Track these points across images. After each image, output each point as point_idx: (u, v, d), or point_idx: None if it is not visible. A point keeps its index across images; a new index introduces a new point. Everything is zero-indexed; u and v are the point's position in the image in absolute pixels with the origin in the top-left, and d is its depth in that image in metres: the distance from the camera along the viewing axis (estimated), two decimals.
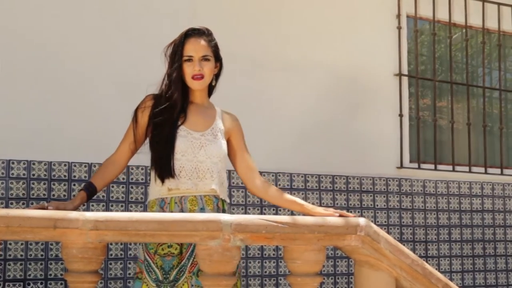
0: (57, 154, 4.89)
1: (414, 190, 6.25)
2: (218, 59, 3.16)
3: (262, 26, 5.73)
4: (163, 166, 3.00)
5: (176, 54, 3.05)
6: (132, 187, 5.13)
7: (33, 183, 4.83)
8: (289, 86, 5.77)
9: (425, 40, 6.80)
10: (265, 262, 5.53)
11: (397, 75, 6.29)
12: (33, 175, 4.83)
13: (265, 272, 5.52)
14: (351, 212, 5.87)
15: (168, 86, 3.08)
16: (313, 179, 5.79)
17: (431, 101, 6.62)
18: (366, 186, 6.01)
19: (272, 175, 5.63)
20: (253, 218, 2.63)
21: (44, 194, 4.85)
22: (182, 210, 2.93)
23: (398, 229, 6.09)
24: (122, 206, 5.08)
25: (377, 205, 6.04)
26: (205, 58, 3.05)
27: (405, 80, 6.36)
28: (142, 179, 5.15)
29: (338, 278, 5.77)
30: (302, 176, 5.75)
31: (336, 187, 5.89)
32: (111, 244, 4.98)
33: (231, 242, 2.57)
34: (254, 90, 5.61)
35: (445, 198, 6.38)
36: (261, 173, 5.41)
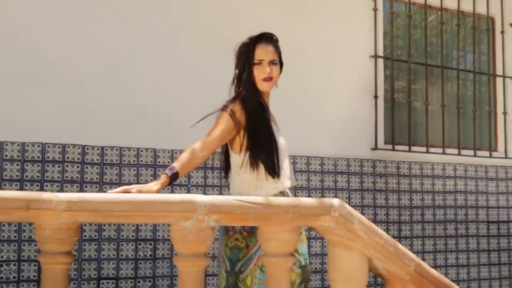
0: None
1: (388, 171, 6.29)
2: (281, 65, 3.38)
3: (239, 7, 5.71)
4: (275, 164, 3.21)
5: (247, 57, 3.27)
6: (106, 168, 5.10)
7: (27, 165, 4.80)
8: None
9: (401, 23, 6.82)
10: None
11: (372, 56, 6.31)
12: (6, 156, 4.80)
13: None
14: (325, 193, 5.90)
15: (243, 87, 3.29)
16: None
17: (406, 83, 6.65)
18: (341, 167, 6.04)
19: None
20: (227, 198, 2.63)
21: (17, 175, 4.82)
22: None
23: (372, 210, 6.14)
24: (96, 187, 5.06)
25: (352, 186, 6.07)
26: (273, 62, 3.29)
27: (380, 62, 6.39)
28: (116, 160, 5.13)
29: (312, 259, 5.80)
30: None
31: (311, 168, 5.91)
32: (85, 225, 4.96)
33: (205, 222, 2.56)
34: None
35: (419, 179, 6.43)
36: None
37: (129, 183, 5.14)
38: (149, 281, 5.23)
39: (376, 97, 6.27)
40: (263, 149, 3.20)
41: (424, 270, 3.05)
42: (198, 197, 2.56)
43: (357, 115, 6.20)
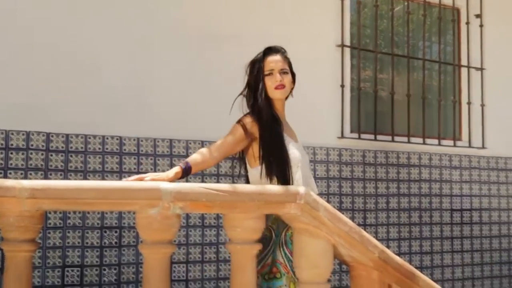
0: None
1: (354, 160, 6.33)
2: (293, 76, 3.55)
3: None
4: (287, 175, 3.23)
5: (258, 70, 3.42)
6: (71, 156, 5.06)
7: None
8: (230, 56, 5.74)
9: (368, 13, 6.85)
10: (206, 231, 5.55)
11: (339, 46, 6.33)
12: None
13: (206, 240, 5.54)
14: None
15: (255, 99, 3.41)
16: None
17: (373, 72, 6.69)
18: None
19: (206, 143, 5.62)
20: (193, 186, 2.63)
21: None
22: None
23: (337, 198, 6.18)
24: (61, 175, 5.01)
25: (318, 174, 6.10)
26: (283, 71, 3.45)
27: (347, 51, 6.41)
28: (81, 147, 5.09)
29: None
30: None
31: None
32: (49, 212, 4.92)
33: (171, 210, 2.56)
34: (202, 60, 5.59)
35: (384, 168, 6.49)
36: (202, 142, 5.41)
37: (94, 171, 5.11)
38: (115, 269, 5.21)
39: (342, 86, 6.30)
40: (274, 160, 3.25)
41: (388, 257, 3.09)
42: (163, 185, 2.56)
43: (324, 104, 6.22)
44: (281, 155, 3.28)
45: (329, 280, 2.96)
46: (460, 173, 6.99)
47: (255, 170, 3.30)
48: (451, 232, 6.87)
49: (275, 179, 3.22)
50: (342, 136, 6.26)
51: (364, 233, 3.03)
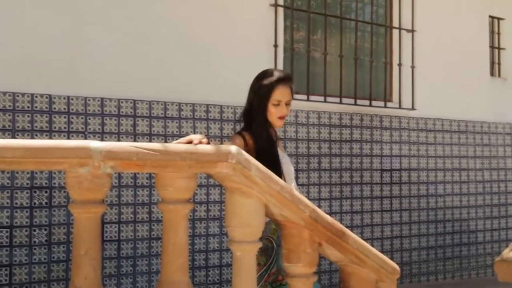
0: None
1: (287, 120, 6.34)
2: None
3: None
4: None
5: (265, 96, 3.58)
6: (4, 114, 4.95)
7: None
8: (163, 15, 5.67)
9: None
10: (138, 191, 5.52)
11: (272, 5, 6.31)
12: None
13: (138, 200, 5.51)
14: (224, 141, 5.92)
15: (255, 122, 3.59)
16: (187, 107, 5.77)
17: (306, 33, 6.70)
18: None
19: (146, 103, 5.57)
20: (124, 145, 2.58)
21: None
22: None
23: None
24: None
25: None
26: (288, 103, 3.63)
27: (280, 11, 6.40)
28: (9, 106, 4.97)
29: (210, 206, 5.85)
30: (176, 105, 5.72)
31: (210, 116, 5.91)
32: None
33: (101, 169, 2.52)
34: (133, 20, 5.50)
35: (316, 128, 6.55)
36: (134, 101, 5.36)
37: (23, 130, 5.01)
38: (45, 229, 5.14)
39: (275, 46, 6.30)
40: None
41: (318, 216, 3.12)
42: (93, 143, 2.51)
43: (256, 64, 6.18)
44: (276, 172, 3.35)
45: (261, 239, 2.98)
46: (390, 133, 7.12)
47: None
48: (380, 192, 7.02)
49: None
50: None
51: (295, 192, 3.05)
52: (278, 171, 3.43)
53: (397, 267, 3.59)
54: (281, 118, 3.62)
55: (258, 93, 3.64)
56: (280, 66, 6.34)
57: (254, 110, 3.63)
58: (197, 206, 5.74)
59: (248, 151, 3.34)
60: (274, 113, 3.59)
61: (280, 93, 3.59)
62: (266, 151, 3.50)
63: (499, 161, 8.06)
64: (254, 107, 3.64)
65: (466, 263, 7.67)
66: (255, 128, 3.57)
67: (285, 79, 3.65)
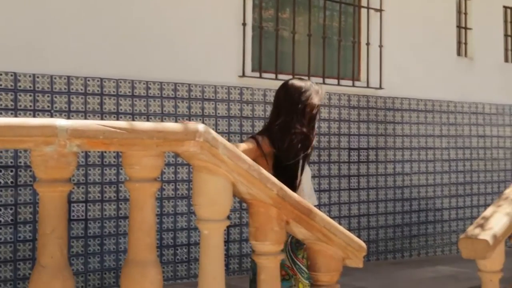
0: None
1: (255, 98, 6.36)
2: None
3: None
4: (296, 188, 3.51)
5: (303, 114, 3.46)
6: None
7: None
8: None
9: None
10: (105, 169, 5.48)
11: None
12: None
13: (105, 179, 5.48)
14: (192, 120, 5.91)
15: (284, 135, 3.50)
16: (155, 86, 5.74)
17: (274, 12, 6.68)
18: (208, 94, 6.05)
19: (113, 82, 5.52)
20: (90, 123, 2.56)
21: None
22: None
23: (238, 136, 6.21)
24: None
25: (219, 113, 6.11)
26: None
27: None
28: None
29: (178, 185, 5.84)
30: (144, 83, 5.68)
31: (178, 94, 5.88)
32: None
33: (67, 147, 2.49)
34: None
35: None
36: (101, 80, 5.31)
37: None
38: (11, 209, 5.09)
39: (244, 24, 6.27)
40: (286, 180, 3.38)
41: (285, 194, 3.13)
42: (59, 121, 2.48)
43: (225, 42, 6.19)
44: (292, 178, 3.55)
45: (228, 218, 2.99)
46: (358, 112, 7.15)
47: None
48: (348, 170, 7.06)
49: None
50: (243, 75, 6.26)
51: (263, 170, 3.05)
52: (295, 175, 3.57)
53: (363, 244, 3.62)
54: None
55: (297, 106, 3.51)
56: (249, 44, 6.33)
57: (297, 124, 3.51)
58: (165, 185, 5.73)
59: (260, 155, 3.46)
60: (315, 132, 3.62)
61: (316, 115, 3.57)
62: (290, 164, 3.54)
63: (464, 140, 8.15)
64: (286, 119, 3.52)
65: (432, 241, 7.77)
66: (285, 145, 3.51)
67: (322, 100, 3.63)
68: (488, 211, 4.42)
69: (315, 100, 3.54)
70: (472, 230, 4.25)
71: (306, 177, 3.73)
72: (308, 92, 3.55)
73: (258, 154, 3.46)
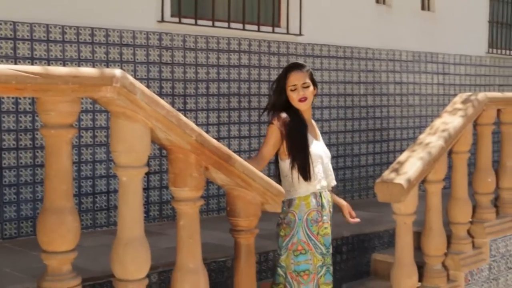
0: None
1: (175, 44, 6.28)
2: (314, 84, 4.09)
3: None
4: (308, 169, 3.92)
5: (283, 86, 4.00)
6: None
7: None
8: None
9: None
10: (20, 116, 5.34)
11: None
12: None
13: (20, 126, 5.34)
14: (110, 66, 5.80)
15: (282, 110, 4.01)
16: (71, 30, 5.58)
17: None
18: (126, 40, 5.93)
19: (27, 26, 5.34)
20: (1, 68, 2.48)
21: None
22: (326, 200, 4.08)
23: (157, 83, 6.14)
24: None
25: (137, 59, 6.01)
26: (305, 86, 4.00)
27: None
28: None
29: (97, 132, 5.75)
30: (59, 28, 5.52)
31: (96, 40, 5.74)
32: None
33: None
34: None
35: (204, 53, 6.51)
36: (14, 23, 5.13)
37: None
38: None
39: None
40: (298, 157, 3.91)
41: (204, 140, 3.14)
42: None
43: None
44: (303, 152, 3.93)
45: (148, 164, 2.98)
46: (278, 59, 7.16)
47: (285, 162, 3.96)
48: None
49: (296, 172, 3.91)
50: (162, 20, 6.16)
51: (182, 117, 3.04)
52: (304, 149, 3.93)
53: (282, 190, 3.69)
54: (301, 101, 3.99)
55: (277, 87, 4.04)
56: None
57: (278, 102, 4.04)
58: (83, 132, 5.63)
59: (282, 136, 3.92)
60: (294, 98, 3.98)
61: (293, 79, 3.97)
62: (295, 132, 3.94)
63: (382, 86, 8.29)
64: (277, 99, 4.04)
65: (350, 186, 7.94)
66: (285, 115, 3.95)
67: (295, 65, 4.08)
68: (403, 156, 4.56)
69: (281, 74, 4.12)
70: (387, 174, 4.38)
71: (324, 154, 4.12)
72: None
73: (282, 139, 3.95)
